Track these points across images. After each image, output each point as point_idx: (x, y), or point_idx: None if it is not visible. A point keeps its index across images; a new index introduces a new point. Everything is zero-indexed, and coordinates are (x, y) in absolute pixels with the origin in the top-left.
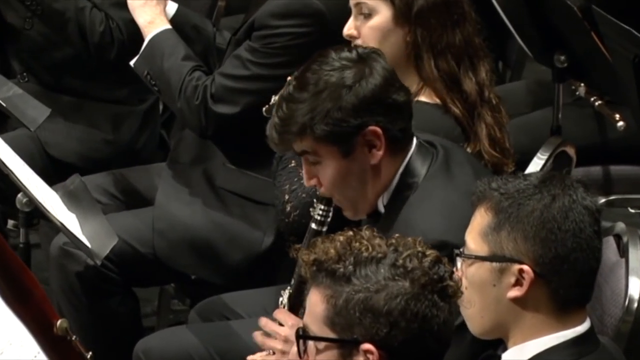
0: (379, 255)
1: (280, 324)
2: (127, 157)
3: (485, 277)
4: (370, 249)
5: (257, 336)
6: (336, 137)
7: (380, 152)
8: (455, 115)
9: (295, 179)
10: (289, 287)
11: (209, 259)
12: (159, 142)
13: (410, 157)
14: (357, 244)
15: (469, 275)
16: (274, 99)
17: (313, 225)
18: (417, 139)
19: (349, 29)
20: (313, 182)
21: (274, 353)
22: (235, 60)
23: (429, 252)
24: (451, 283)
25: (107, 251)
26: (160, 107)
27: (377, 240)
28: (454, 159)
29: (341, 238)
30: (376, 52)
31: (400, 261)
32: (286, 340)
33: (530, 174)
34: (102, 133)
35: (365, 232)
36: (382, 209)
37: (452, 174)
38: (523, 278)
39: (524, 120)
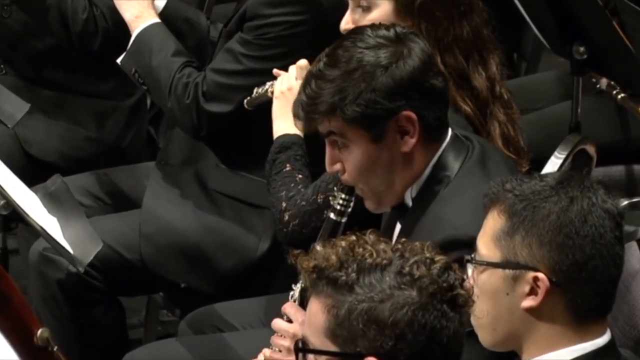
0: (384, 261)
1: (290, 320)
2: (112, 156)
3: (497, 285)
4: (374, 255)
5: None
6: (367, 121)
7: (413, 140)
8: (466, 114)
9: (292, 185)
10: (301, 280)
11: (201, 266)
12: (146, 140)
13: (444, 150)
14: (361, 249)
15: (480, 283)
16: (257, 91)
17: (332, 216)
18: (452, 130)
19: (346, 23)
20: (336, 167)
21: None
22: (227, 54)
23: (437, 258)
24: (462, 291)
25: (91, 257)
26: (148, 102)
27: (382, 246)
28: (490, 156)
29: (343, 243)
30: (414, 32)
31: (407, 268)
32: (294, 337)
33: (546, 175)
34: (85, 130)
35: (370, 237)
36: (409, 202)
37: (488, 171)
38: (538, 286)
39: (540, 115)
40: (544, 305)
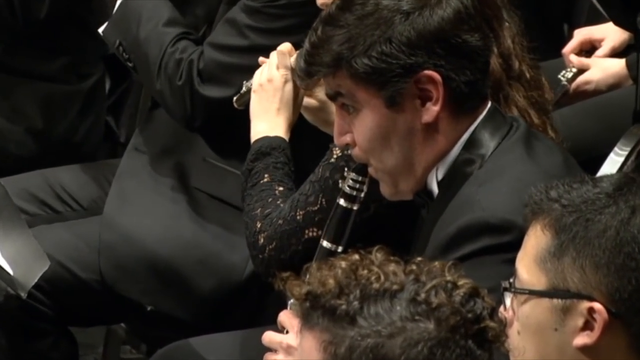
0: (394, 287)
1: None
2: (63, 153)
3: (543, 318)
4: (382, 278)
5: None
6: (379, 78)
7: (437, 108)
8: None
9: (270, 200)
10: None
11: (173, 286)
12: (104, 133)
13: (478, 125)
14: (365, 271)
15: (522, 316)
16: (246, 85)
17: (341, 202)
18: (492, 103)
19: None
20: (345, 139)
21: None
22: (229, 26)
23: (461, 282)
24: (491, 324)
25: (35, 279)
26: (107, 86)
27: (392, 267)
28: (539, 138)
29: (343, 264)
30: None
31: (423, 295)
32: (288, 350)
33: (601, 178)
34: (28, 120)
35: (377, 256)
36: (434, 188)
37: (533, 151)
38: (594, 319)
39: (597, 102)
40: (601, 343)
